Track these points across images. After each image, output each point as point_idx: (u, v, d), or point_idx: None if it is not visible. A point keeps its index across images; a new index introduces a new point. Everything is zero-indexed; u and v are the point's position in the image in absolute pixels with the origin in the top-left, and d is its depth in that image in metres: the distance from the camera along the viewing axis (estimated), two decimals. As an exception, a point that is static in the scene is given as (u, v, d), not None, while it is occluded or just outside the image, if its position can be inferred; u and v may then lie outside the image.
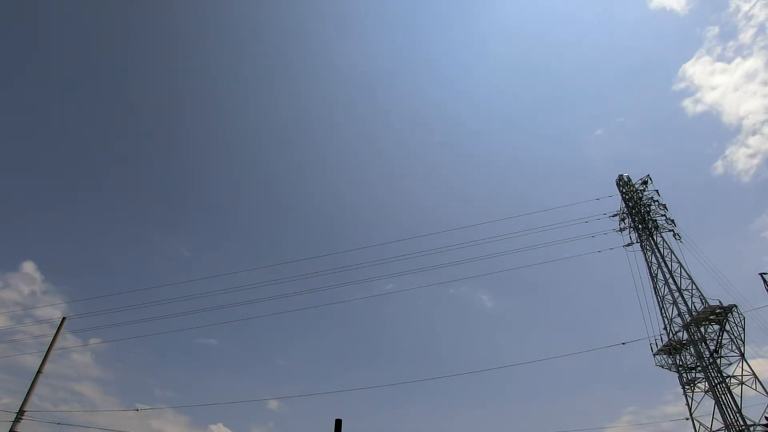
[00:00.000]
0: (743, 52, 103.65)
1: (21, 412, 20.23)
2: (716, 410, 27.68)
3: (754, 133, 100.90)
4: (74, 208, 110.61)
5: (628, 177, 39.39)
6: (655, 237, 35.24)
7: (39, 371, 21.64)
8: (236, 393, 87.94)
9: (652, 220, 36.31)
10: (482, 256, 36.88)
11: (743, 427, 25.69)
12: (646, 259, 35.20)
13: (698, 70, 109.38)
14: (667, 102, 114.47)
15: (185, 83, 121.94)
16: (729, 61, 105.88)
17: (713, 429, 27.69)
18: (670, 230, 35.55)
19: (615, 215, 38.60)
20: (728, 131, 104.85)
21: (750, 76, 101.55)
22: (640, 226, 36.39)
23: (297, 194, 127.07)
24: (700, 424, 28.67)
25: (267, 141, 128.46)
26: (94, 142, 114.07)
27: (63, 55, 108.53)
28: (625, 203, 38.05)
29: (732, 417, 26.60)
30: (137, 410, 25.72)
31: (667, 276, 33.07)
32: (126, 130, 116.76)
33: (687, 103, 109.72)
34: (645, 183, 38.28)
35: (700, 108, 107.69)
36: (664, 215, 36.46)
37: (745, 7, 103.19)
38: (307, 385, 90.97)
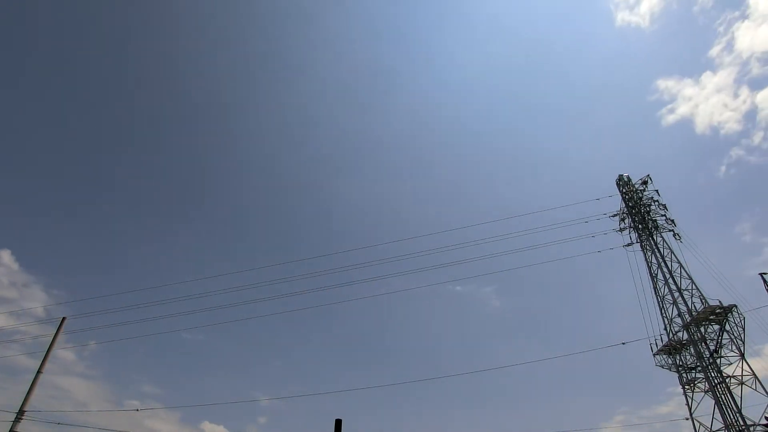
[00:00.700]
0: (713, 66, 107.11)
1: (21, 412, 20.22)
2: (716, 410, 27.69)
3: (731, 143, 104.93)
4: (72, 208, 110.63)
5: (628, 177, 39.40)
6: (655, 237, 35.25)
7: (39, 371, 21.62)
8: (230, 392, 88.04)
9: (652, 220, 36.32)
10: (482, 256, 36.92)
11: (743, 427, 25.69)
12: (646, 259, 35.21)
13: (670, 84, 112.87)
14: (645, 113, 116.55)
15: (186, 82, 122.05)
16: (699, 75, 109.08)
17: (713, 429, 27.70)
18: (670, 230, 35.56)
19: (615, 215, 38.62)
20: (704, 140, 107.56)
21: (720, 89, 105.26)
22: (640, 226, 36.39)
23: (296, 194, 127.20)
24: (700, 424, 28.69)
25: (264, 141, 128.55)
26: (94, 141, 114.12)
27: (66, 54, 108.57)
28: (625, 203, 38.06)
29: (732, 417, 26.60)
30: (137, 410, 25.73)
31: (667, 276, 33.07)
32: (126, 130, 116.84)
33: (664, 112, 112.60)
34: (645, 183, 38.30)
35: (677, 118, 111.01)
36: (664, 215, 36.48)
37: (713, 24, 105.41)
38: (305, 385, 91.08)
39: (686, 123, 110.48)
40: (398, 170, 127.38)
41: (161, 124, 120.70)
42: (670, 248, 34.33)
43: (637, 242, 36.28)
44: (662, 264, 33.76)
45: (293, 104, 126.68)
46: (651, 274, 34.46)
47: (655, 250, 34.54)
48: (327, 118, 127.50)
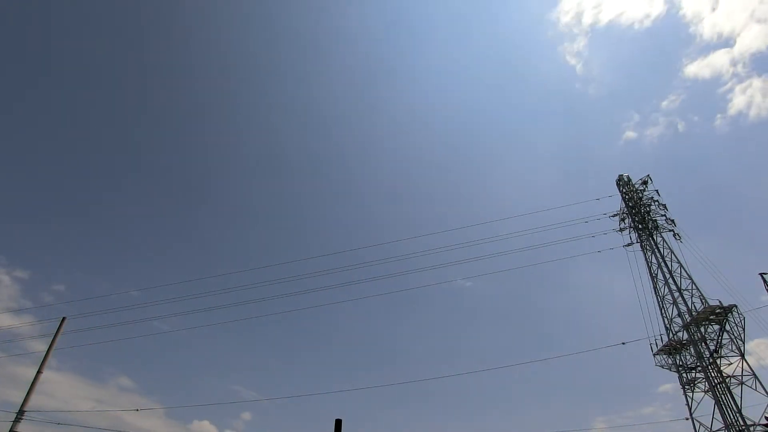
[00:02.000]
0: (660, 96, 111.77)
1: (21, 412, 20.22)
2: (716, 410, 27.68)
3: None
4: (70, 207, 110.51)
5: (628, 177, 39.41)
6: (655, 237, 35.23)
7: (39, 371, 21.62)
8: (213, 388, 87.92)
9: (652, 220, 36.31)
10: (482, 256, 36.95)
11: (743, 427, 25.69)
12: (646, 259, 35.20)
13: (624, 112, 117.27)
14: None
15: (188, 81, 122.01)
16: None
17: (713, 429, 27.69)
18: (670, 230, 35.54)
19: (615, 215, 38.61)
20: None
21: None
22: (640, 226, 36.38)
23: (295, 194, 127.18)
24: (700, 424, 28.68)
25: (267, 140, 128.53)
26: (91, 138, 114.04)
27: (74, 55, 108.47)
28: (625, 203, 38.05)
29: (732, 417, 26.60)
30: (137, 410, 25.75)
31: (667, 276, 33.06)
32: (126, 128, 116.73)
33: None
34: (645, 183, 38.31)
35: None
36: (664, 215, 36.48)
37: (657, 56, 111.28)
38: (305, 385, 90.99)
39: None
40: (398, 170, 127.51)
41: (162, 123, 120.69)
42: (670, 248, 34.33)
43: (637, 242, 36.27)
44: (662, 264, 33.75)
45: (297, 105, 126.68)
46: (651, 274, 34.44)
47: (655, 250, 34.52)
48: (331, 118, 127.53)
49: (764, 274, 21.66)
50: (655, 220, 36.24)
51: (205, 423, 76.30)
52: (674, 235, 35.22)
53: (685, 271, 32.62)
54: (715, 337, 29.79)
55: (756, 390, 27.18)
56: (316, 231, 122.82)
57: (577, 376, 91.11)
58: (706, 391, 29.10)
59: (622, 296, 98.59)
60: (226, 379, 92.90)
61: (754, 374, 27.75)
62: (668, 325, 32.22)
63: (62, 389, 77.07)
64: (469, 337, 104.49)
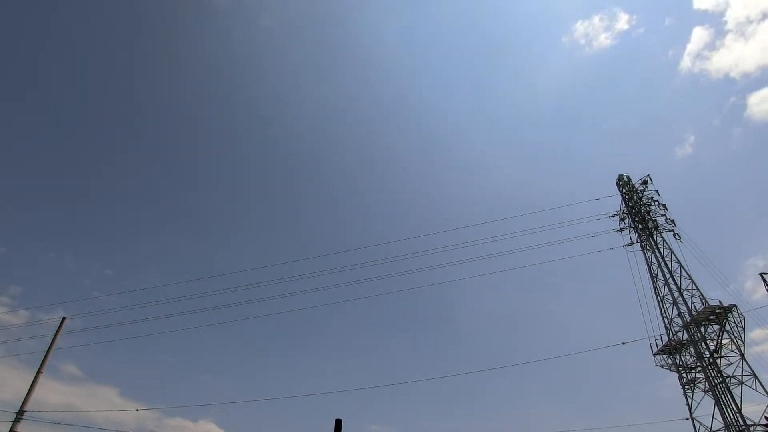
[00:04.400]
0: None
1: (21, 412, 20.21)
2: (716, 410, 27.67)
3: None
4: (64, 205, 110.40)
5: (628, 177, 39.38)
6: (655, 237, 35.21)
7: (39, 371, 21.62)
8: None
9: (652, 220, 36.28)
10: (482, 256, 36.90)
11: (743, 427, 25.68)
12: (646, 259, 35.17)
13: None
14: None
15: (189, 83, 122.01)
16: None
17: (713, 429, 27.69)
18: (670, 230, 35.53)
19: (615, 215, 38.57)
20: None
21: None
22: (640, 226, 36.35)
23: (295, 193, 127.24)
24: (700, 424, 28.68)
25: (269, 139, 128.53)
26: (88, 138, 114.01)
27: (81, 54, 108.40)
28: (625, 203, 38.02)
29: (732, 417, 26.59)
30: (137, 410, 25.73)
31: (667, 276, 33.05)
32: (129, 128, 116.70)
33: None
34: (645, 183, 38.28)
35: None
36: (664, 215, 36.45)
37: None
38: (307, 384, 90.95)
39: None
40: (397, 170, 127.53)
41: (161, 121, 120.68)
42: (670, 248, 34.30)
43: (637, 242, 36.24)
44: (662, 264, 33.73)
45: (301, 105, 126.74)
46: (651, 274, 34.42)
47: (655, 250, 34.50)
48: (331, 117, 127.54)
49: (764, 274, 21.67)
50: (655, 220, 36.21)
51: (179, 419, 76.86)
52: (674, 235, 35.21)
53: (685, 271, 32.63)
54: (715, 337, 29.78)
55: (756, 390, 27.18)
56: (310, 231, 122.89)
57: (576, 377, 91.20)
58: (706, 391, 29.09)
59: (621, 296, 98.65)
60: (194, 371, 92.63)
61: (754, 374, 27.75)
62: (668, 325, 32.22)
63: (25, 384, 74.91)
64: (467, 337, 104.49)
